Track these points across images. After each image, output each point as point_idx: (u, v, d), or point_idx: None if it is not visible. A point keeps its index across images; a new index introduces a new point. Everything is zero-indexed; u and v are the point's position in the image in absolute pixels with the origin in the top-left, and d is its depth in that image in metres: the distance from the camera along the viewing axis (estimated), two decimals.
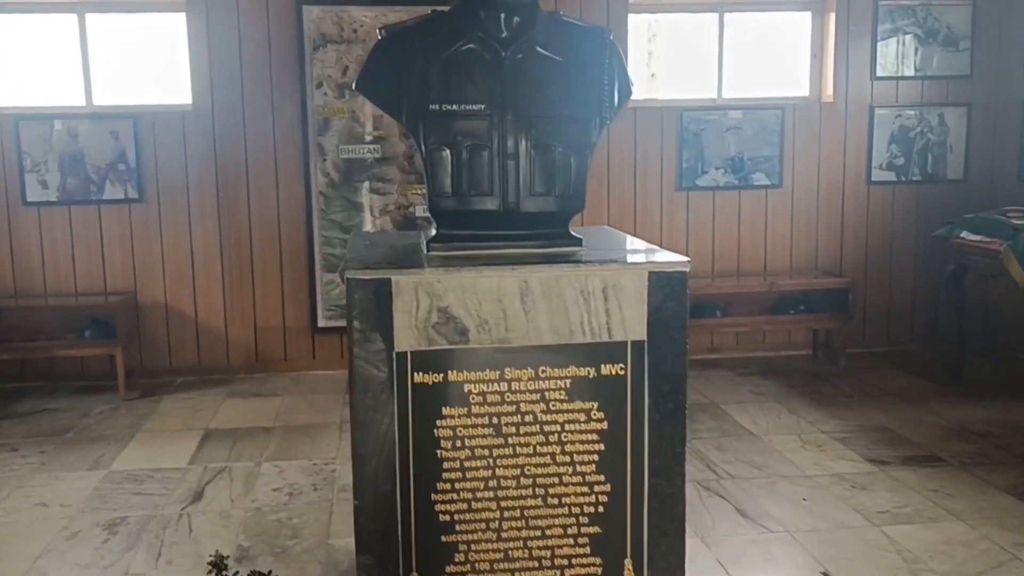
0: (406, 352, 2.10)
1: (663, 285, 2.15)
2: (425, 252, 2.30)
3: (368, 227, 5.88)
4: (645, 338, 2.15)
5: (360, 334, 2.08)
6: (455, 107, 2.26)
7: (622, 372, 2.16)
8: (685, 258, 2.19)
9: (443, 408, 2.12)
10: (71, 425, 5.03)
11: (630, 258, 2.27)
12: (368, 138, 5.84)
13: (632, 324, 2.14)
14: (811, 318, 6.09)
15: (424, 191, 2.33)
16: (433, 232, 2.32)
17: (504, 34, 2.29)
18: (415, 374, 2.11)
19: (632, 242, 2.59)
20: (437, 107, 2.26)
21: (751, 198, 6.26)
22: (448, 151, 2.26)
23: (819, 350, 6.34)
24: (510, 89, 2.27)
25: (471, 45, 2.28)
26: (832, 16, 6.17)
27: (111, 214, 5.77)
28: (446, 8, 2.36)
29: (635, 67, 6.18)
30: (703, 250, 6.23)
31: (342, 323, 5.96)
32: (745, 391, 5.51)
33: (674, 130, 6.11)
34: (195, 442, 4.73)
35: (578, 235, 2.37)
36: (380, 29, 2.33)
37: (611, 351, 2.15)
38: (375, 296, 2.07)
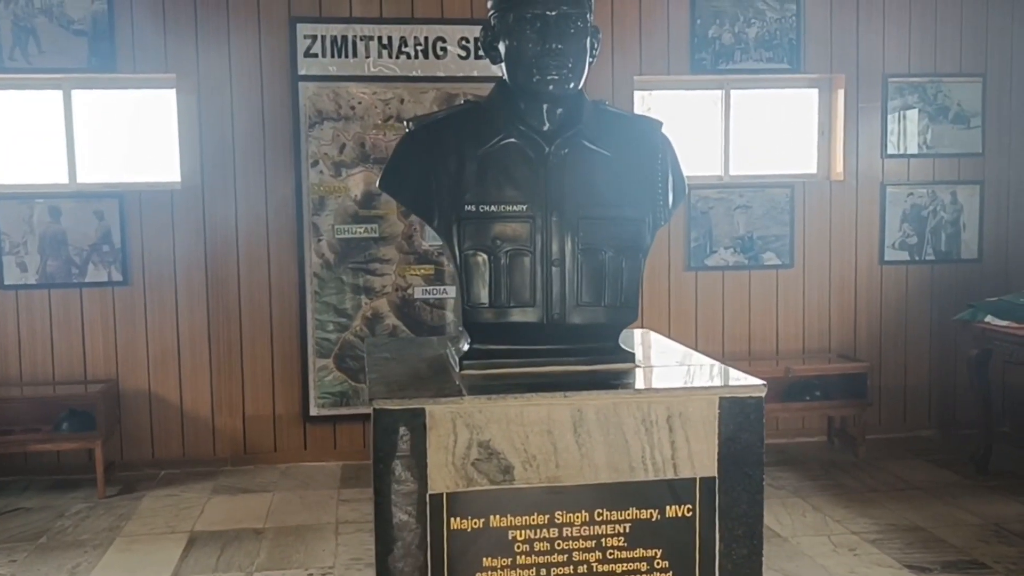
0: (441, 494, 1.81)
1: (736, 413, 1.88)
2: (457, 370, 2.02)
3: (363, 309, 5.60)
4: (716, 474, 1.88)
5: (388, 472, 1.79)
6: (494, 208, 2.01)
7: (689, 514, 1.88)
8: (760, 381, 1.92)
9: (484, 559, 1.83)
10: (45, 528, 4.66)
11: (697, 380, 2.00)
12: (365, 218, 5.59)
13: (701, 458, 1.87)
14: (828, 405, 5.83)
15: (456, 292, 2.04)
16: (466, 347, 2.05)
17: (547, 127, 2.05)
18: (452, 519, 1.82)
19: (690, 355, 2.32)
20: (474, 208, 2.00)
21: (762, 278, 6.05)
22: (485, 256, 2.00)
23: (835, 437, 6.07)
24: (555, 188, 2.02)
25: (511, 139, 2.04)
26: (840, 93, 6.04)
27: (93, 297, 5.46)
28: (478, 98, 2.11)
29: None
30: (713, 332, 5.99)
31: (336, 411, 5.68)
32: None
33: (682, 209, 5.90)
34: (179, 548, 4.37)
35: (631, 350, 2.10)
36: (408, 121, 2.08)
37: (677, 490, 1.87)
38: (407, 429, 1.78)
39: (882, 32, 5.99)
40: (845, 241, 6.09)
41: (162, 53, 5.42)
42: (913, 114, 6.10)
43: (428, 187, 2.05)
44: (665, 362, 2.20)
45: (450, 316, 5.68)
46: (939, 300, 6.12)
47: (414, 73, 5.59)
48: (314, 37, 5.52)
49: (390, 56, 5.58)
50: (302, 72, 5.52)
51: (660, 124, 2.19)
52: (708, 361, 2.20)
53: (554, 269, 2.02)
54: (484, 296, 2.02)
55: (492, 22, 2.09)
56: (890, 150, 6.08)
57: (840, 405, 5.84)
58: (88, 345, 5.47)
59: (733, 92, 6.04)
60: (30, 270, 5.39)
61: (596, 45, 2.10)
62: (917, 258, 6.16)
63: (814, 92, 6.15)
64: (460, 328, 2.12)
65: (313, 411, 5.65)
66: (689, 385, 1.94)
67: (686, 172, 6.02)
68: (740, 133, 6.11)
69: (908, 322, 6.17)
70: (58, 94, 5.48)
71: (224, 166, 5.51)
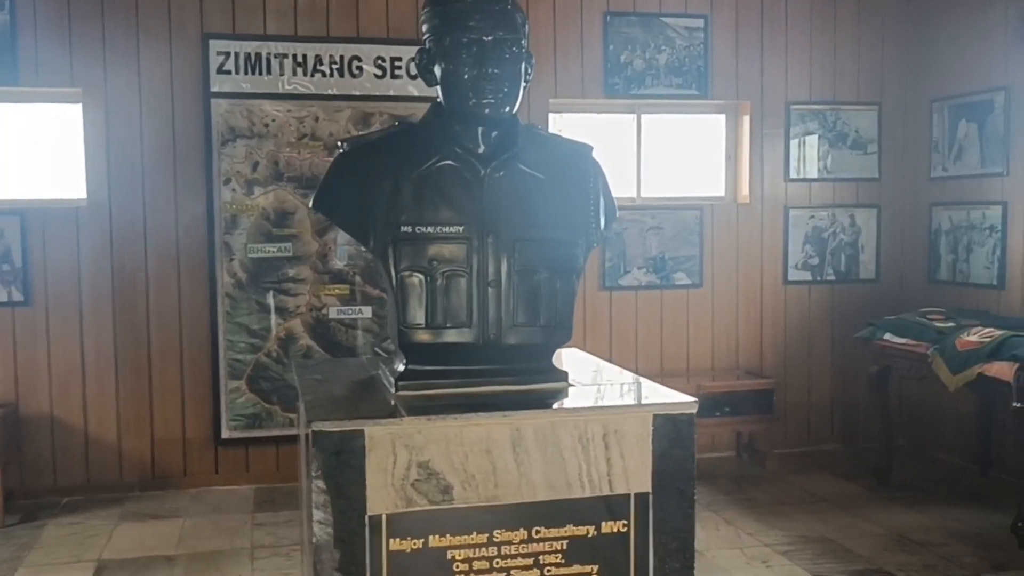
0: (380, 515, 1.81)
1: (669, 429, 1.93)
2: (392, 391, 2.02)
3: (275, 331, 5.52)
4: (650, 490, 1.92)
5: (325, 495, 1.78)
6: (430, 229, 2.02)
7: (624, 530, 1.92)
8: (692, 398, 1.98)
9: None
10: None
11: (631, 398, 2.05)
12: (278, 236, 5.52)
13: (635, 475, 1.91)
14: (737, 420, 5.99)
15: (391, 313, 2.05)
16: (401, 368, 2.05)
17: (483, 149, 2.08)
18: (391, 540, 1.82)
19: (621, 373, 2.37)
20: (410, 229, 2.02)
21: (673, 298, 6.19)
22: (422, 277, 2.02)
23: (744, 452, 6.23)
24: (491, 209, 2.05)
25: (447, 161, 2.06)
26: (746, 119, 6.24)
27: None
28: (414, 120, 2.13)
29: None
30: (626, 350, 6.09)
31: (248, 434, 5.56)
32: None
33: None
34: None
35: (564, 369, 2.13)
36: (341, 142, 2.08)
37: (612, 506, 1.91)
38: (345, 451, 1.78)
39: (785, 61, 6.22)
40: (751, 262, 6.28)
41: (68, 67, 5.27)
42: (814, 140, 6.34)
43: (363, 208, 2.05)
44: (598, 380, 2.25)
45: (362, 337, 5.64)
46: (840, 318, 6.36)
47: (329, 91, 5.56)
48: (227, 54, 5.44)
49: (305, 74, 5.53)
50: (215, 89, 5.43)
51: (591, 148, 2.24)
52: (640, 379, 2.26)
53: (490, 290, 2.05)
54: (420, 317, 2.03)
55: (428, 45, 2.11)
56: (792, 174, 6.30)
57: (748, 421, 6.00)
58: None
59: (644, 116, 6.18)
60: None
61: (530, 70, 2.14)
62: (819, 278, 6.39)
63: (721, 118, 6.35)
64: (394, 348, 2.12)
65: (225, 434, 5.53)
66: (624, 403, 1.98)
67: None
68: (652, 156, 6.26)
69: (811, 340, 6.39)
70: None
71: (132, 183, 5.37)
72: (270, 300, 5.54)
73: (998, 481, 5.46)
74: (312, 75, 5.55)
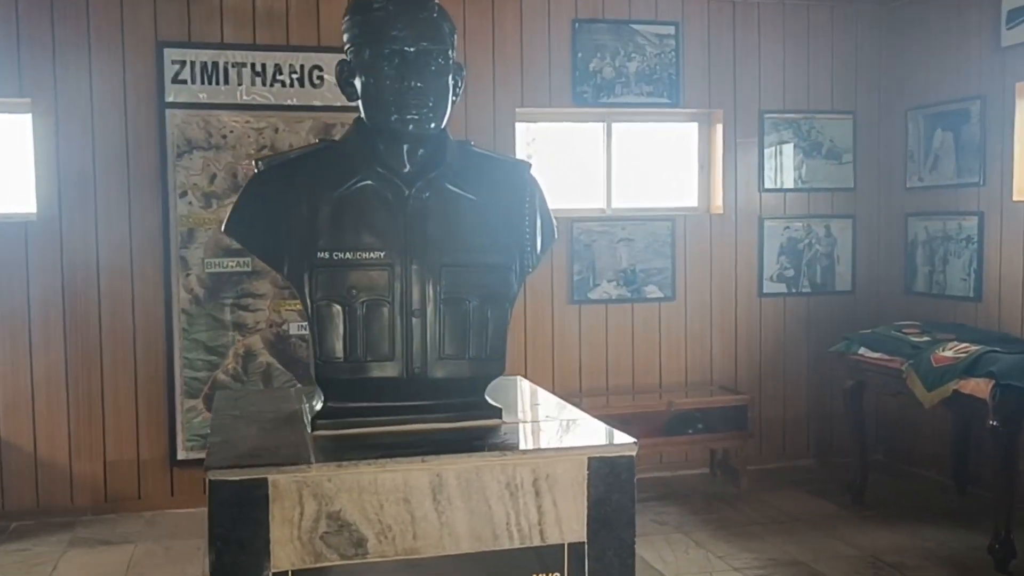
0: (286, 572, 1.65)
1: (606, 473, 1.78)
2: (309, 431, 1.86)
3: (234, 347, 5.35)
4: (585, 539, 1.77)
5: (225, 550, 1.61)
6: (349, 255, 1.87)
7: None
8: (631, 439, 1.83)
9: None
10: None
11: (566, 439, 1.90)
12: (238, 251, 5.34)
13: (569, 523, 1.76)
14: (710, 437, 5.84)
15: (309, 346, 1.89)
16: (319, 405, 1.89)
17: (407, 168, 1.93)
18: None
19: (561, 407, 2.21)
20: (327, 255, 1.86)
21: (644, 311, 6.04)
22: (340, 307, 1.86)
23: (717, 468, 6.08)
24: (415, 233, 1.90)
25: (368, 181, 1.91)
26: (719, 127, 6.11)
27: None
28: (336, 138, 1.97)
29: None
30: (597, 365, 5.95)
31: (205, 455, 5.38)
32: (647, 520, 5.16)
33: (565, 241, 5.86)
34: None
35: (496, 404, 1.98)
36: (257, 161, 1.93)
37: (544, 557, 1.76)
38: (246, 502, 1.62)
39: (758, 68, 6.10)
40: (725, 274, 6.15)
41: (16, 75, 5.09)
42: (789, 149, 6.22)
43: (277, 232, 1.90)
44: (533, 416, 2.09)
45: None
46: (815, 331, 6.24)
47: (289, 102, 5.40)
48: (183, 63, 5.27)
49: (264, 84, 5.37)
50: (169, 99, 5.26)
51: (528, 166, 2.09)
52: (578, 415, 2.10)
53: (414, 320, 1.90)
54: (339, 350, 1.87)
55: (348, 57, 1.96)
56: (767, 184, 6.18)
57: (722, 437, 5.86)
58: None
59: (615, 125, 6.04)
60: None
61: (460, 83, 2.00)
62: (794, 290, 6.26)
63: (694, 126, 6.22)
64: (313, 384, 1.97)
65: (181, 455, 5.34)
66: (556, 445, 1.83)
67: (569, 204, 5.96)
68: (622, 167, 6.12)
69: (786, 353, 6.26)
70: None
71: (84, 196, 5.19)
72: (228, 316, 5.37)
73: (976, 498, 5.33)
74: (272, 85, 5.39)
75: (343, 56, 1.98)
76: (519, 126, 5.83)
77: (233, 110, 5.33)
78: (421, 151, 1.95)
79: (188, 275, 5.31)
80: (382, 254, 1.88)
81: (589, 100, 5.86)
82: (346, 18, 1.95)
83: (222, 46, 5.32)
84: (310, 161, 1.95)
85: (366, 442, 1.79)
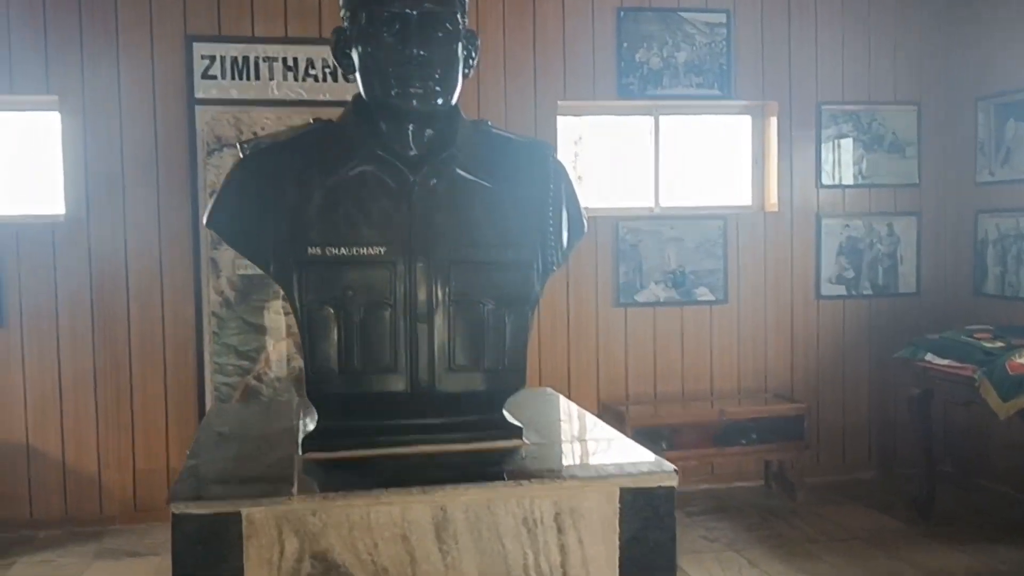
0: None
1: (642, 507, 1.51)
2: (299, 453, 1.62)
3: (271, 351, 5.16)
4: None
5: None
6: (344, 251, 1.62)
7: None
8: (671, 467, 1.55)
9: None
10: None
11: (594, 465, 1.63)
12: None
13: (598, 565, 1.50)
14: (764, 448, 5.51)
15: (301, 356, 1.64)
16: (311, 425, 1.65)
17: (413, 152, 1.68)
18: None
19: (590, 426, 1.94)
20: (319, 251, 1.62)
21: (694, 314, 5.73)
22: (334, 311, 1.62)
23: (772, 481, 5.75)
24: (421, 226, 1.65)
25: (367, 166, 1.66)
26: (773, 120, 5.78)
27: None
28: (333, 118, 1.74)
29: None
30: (644, 371, 5.66)
31: None
32: (697, 536, 4.86)
33: (610, 241, 5.58)
34: None
35: (515, 422, 1.72)
36: (242, 144, 1.69)
37: None
38: (215, 539, 1.38)
39: (815, 58, 5.76)
40: (781, 275, 5.82)
41: (43, 73, 4.96)
42: (848, 143, 5.87)
43: (264, 226, 1.66)
44: (558, 437, 1.82)
45: None
46: (877, 336, 5.87)
47: (322, 97, 5.20)
48: (212, 58, 5.10)
49: (296, 79, 5.18)
50: (199, 95, 5.09)
51: (552, 148, 1.83)
52: (611, 434, 1.83)
53: (420, 326, 1.65)
54: (333, 360, 1.63)
55: (344, 24, 1.72)
56: (825, 180, 5.83)
57: (777, 448, 5.53)
58: None
59: (662, 118, 5.75)
60: None
61: (473, 54, 1.74)
62: (854, 292, 5.90)
63: (746, 119, 5.90)
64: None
65: None
66: (582, 475, 1.56)
67: (614, 202, 5.64)
68: (670, 162, 5.82)
69: (846, 359, 5.91)
70: None
71: (112, 196, 5.04)
72: (260, 319, 5.18)
73: None
74: (304, 80, 5.19)
75: (340, 25, 1.74)
76: (563, 120, 5.57)
77: (264, 106, 5.15)
78: (428, 131, 1.70)
79: (219, 277, 5.13)
80: (382, 249, 1.64)
81: (635, 92, 5.58)
82: None
83: (253, 40, 5.14)
84: (302, 144, 1.71)
85: (361, 468, 1.54)
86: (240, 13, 5.14)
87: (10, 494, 5.00)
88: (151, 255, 5.10)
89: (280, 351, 5.21)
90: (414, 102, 1.64)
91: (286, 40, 5.17)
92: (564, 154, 5.74)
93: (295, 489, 1.45)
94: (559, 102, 5.48)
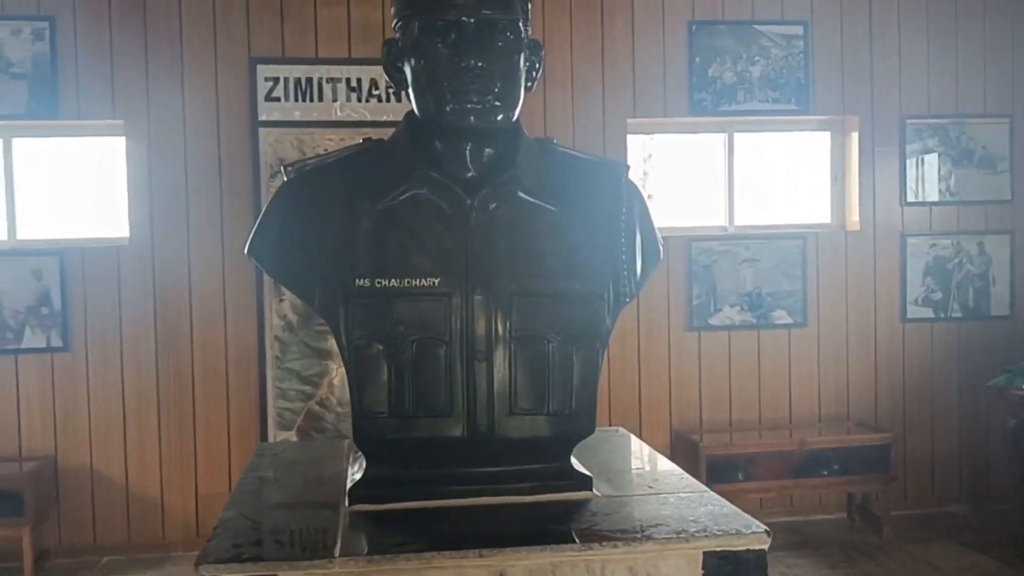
0: None
1: (728, 574, 1.31)
2: (345, 504, 1.47)
3: (333, 376, 5.07)
4: None
5: None
6: (395, 282, 1.47)
7: None
8: (762, 528, 1.36)
9: None
10: None
11: (674, 523, 1.44)
12: None
13: None
14: (847, 480, 5.22)
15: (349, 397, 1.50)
16: (359, 472, 1.50)
17: (471, 173, 1.53)
18: None
19: (669, 474, 1.75)
20: (367, 282, 1.47)
21: (772, 338, 5.48)
22: (384, 348, 1.46)
23: (856, 514, 5.45)
24: (479, 254, 1.49)
25: (421, 190, 1.52)
26: (854, 136, 5.52)
27: (30, 365, 4.94)
28: (384, 136, 1.59)
29: None
30: (719, 398, 5.42)
31: None
32: (775, 573, 4.60)
33: (682, 263, 5.37)
34: None
35: (584, 471, 1.55)
36: (286, 167, 1.56)
37: None
38: None
39: (898, 71, 5.49)
40: (863, 297, 5.53)
41: (109, 98, 4.96)
42: (933, 158, 5.58)
43: (308, 254, 1.52)
44: (632, 487, 1.64)
45: None
46: (967, 361, 5.55)
47: (386, 118, 5.09)
48: (276, 79, 5.05)
49: (359, 100, 5.10)
50: (263, 117, 5.04)
51: (625, 168, 1.66)
52: (693, 486, 1.64)
53: (478, 365, 1.49)
54: (382, 402, 1.48)
55: (396, 35, 1.58)
56: (910, 197, 5.54)
57: (861, 480, 5.24)
58: (24, 418, 4.94)
59: (737, 135, 5.53)
60: None
61: (537, 65, 1.59)
62: (942, 315, 5.59)
63: (826, 135, 5.64)
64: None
65: None
66: (660, 535, 1.38)
67: (686, 222, 5.42)
68: (745, 180, 5.60)
69: (934, 386, 5.59)
70: None
71: (176, 219, 5.01)
72: (323, 344, 5.08)
73: None
74: (367, 100, 5.11)
75: (391, 37, 1.60)
76: (633, 139, 5.39)
77: (328, 127, 5.07)
78: (488, 151, 1.55)
79: (281, 301, 5.06)
80: (436, 281, 1.48)
81: (708, 108, 5.37)
82: None
83: (316, 61, 5.07)
84: (350, 166, 1.57)
85: (412, 524, 1.39)
86: (304, 34, 5.08)
87: (75, 518, 4.98)
88: (214, 278, 5.05)
89: (343, 376, 5.09)
90: (471, 118, 1.48)
91: (349, 61, 5.10)
92: (634, 173, 5.55)
93: (337, 550, 1.30)
94: (629, 120, 5.30)
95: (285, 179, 1.58)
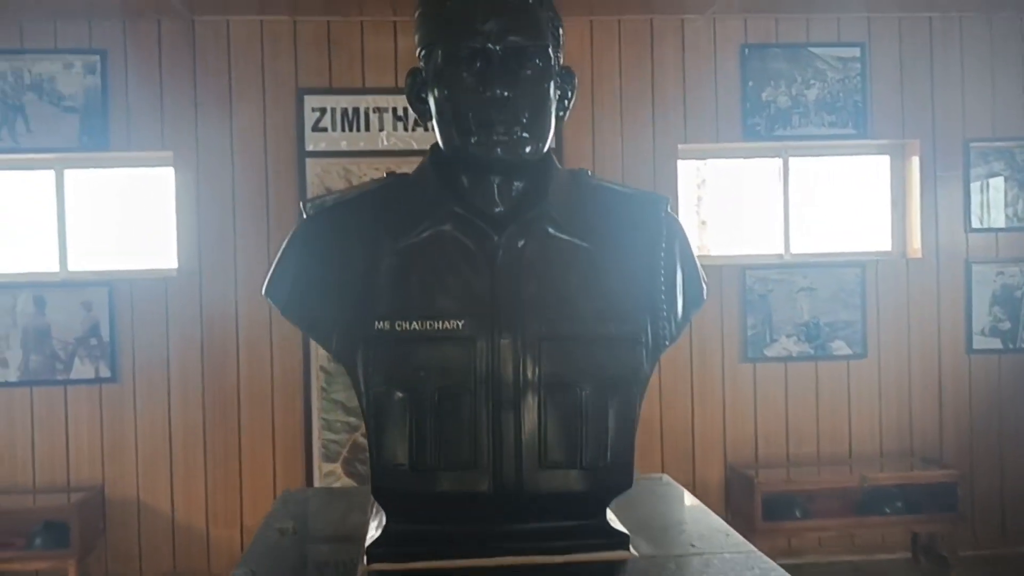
0: None
1: None
2: (364, 563, 1.38)
3: None
4: None
5: None
6: (416, 325, 1.39)
7: None
8: None
9: None
10: None
11: None
12: None
13: None
14: (912, 519, 4.99)
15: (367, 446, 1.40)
16: (378, 529, 1.41)
17: (499, 209, 1.44)
18: None
19: (714, 530, 1.63)
20: (387, 325, 1.39)
21: (830, 370, 5.29)
22: (404, 396, 1.37)
23: (921, 554, 5.21)
24: (507, 295, 1.39)
25: (445, 227, 1.43)
26: (915, 160, 5.33)
27: (79, 396, 4.96)
28: (408, 170, 1.51)
29: (683, 213, 5.35)
30: (775, 432, 5.24)
31: None
32: None
33: (736, 291, 5.22)
34: None
35: (622, 529, 1.43)
36: (304, 203, 1.48)
37: None
38: None
39: (961, 92, 5.30)
40: (926, 327, 5.31)
41: (158, 129, 4.99)
42: (999, 182, 5.36)
43: (325, 295, 1.44)
44: (674, 548, 1.52)
45: None
46: None
47: None
48: (323, 110, 5.04)
49: (406, 129, 5.06)
50: (310, 148, 5.02)
51: (665, 201, 1.55)
52: (739, 546, 1.52)
53: (505, 414, 1.39)
54: (403, 454, 1.38)
55: (420, 64, 1.50)
56: (975, 223, 5.33)
57: (926, 519, 5.00)
58: (72, 449, 4.95)
59: (792, 160, 5.37)
60: (11, 366, 4.91)
61: (570, 94, 1.49)
62: (1011, 346, 5.35)
63: (885, 159, 5.46)
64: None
65: None
66: None
67: (741, 250, 5.26)
68: (802, 206, 5.43)
69: (1003, 420, 5.34)
70: (50, 175, 5.06)
71: (224, 250, 5.01)
72: None
73: None
74: (413, 130, 5.06)
75: (416, 66, 1.52)
76: (685, 164, 5.27)
77: (374, 157, 5.04)
78: (517, 184, 1.46)
79: None
80: (460, 323, 1.39)
81: (762, 133, 5.23)
82: (416, 12, 1.49)
83: (363, 91, 5.05)
84: (372, 202, 1.49)
85: None
86: (350, 64, 5.07)
87: (122, 550, 4.97)
88: (261, 309, 5.02)
89: None
90: (498, 150, 1.39)
91: (396, 90, 5.05)
92: (686, 199, 5.43)
93: None
94: (680, 146, 5.19)
95: (304, 216, 1.51)
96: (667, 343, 1.47)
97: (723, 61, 5.21)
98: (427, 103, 1.50)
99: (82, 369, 4.94)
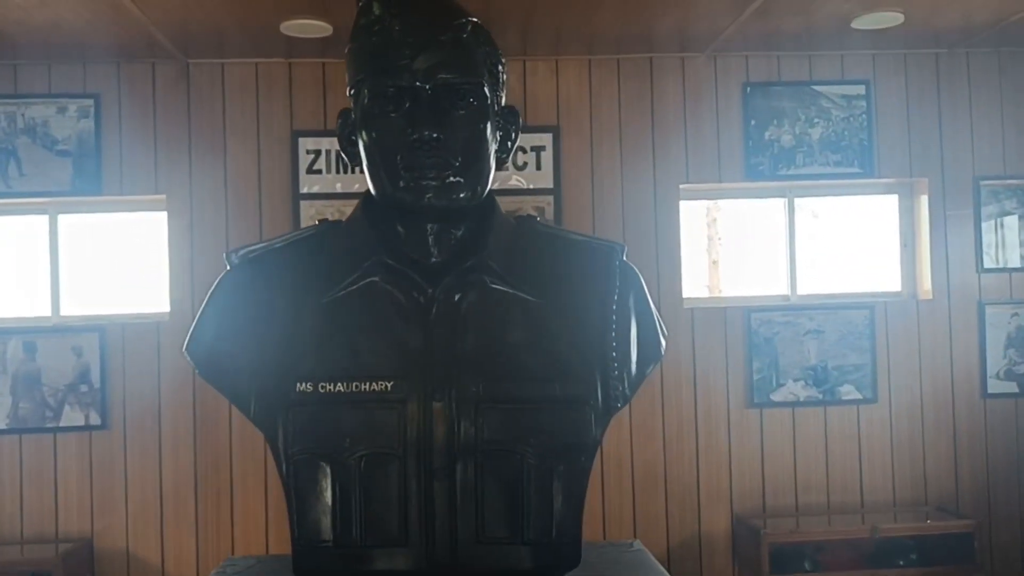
0: None
1: None
2: None
3: None
4: None
5: None
6: (341, 387, 1.27)
7: None
8: None
9: None
10: None
11: None
12: None
13: None
14: (927, 571, 4.78)
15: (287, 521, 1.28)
16: None
17: (435, 259, 1.32)
18: None
19: None
20: (309, 387, 1.27)
21: (839, 415, 5.12)
22: (327, 466, 1.25)
23: None
24: (441, 354, 1.28)
25: (373, 278, 1.31)
26: (924, 199, 5.20)
27: (68, 444, 4.86)
28: (341, 218, 1.41)
29: (692, 254, 5.24)
30: (783, 480, 5.06)
31: None
32: None
33: (741, 335, 5.07)
34: None
35: None
36: (228, 254, 1.38)
37: None
38: None
39: (970, 128, 5.17)
40: (939, 371, 5.14)
41: (152, 172, 4.93)
42: (1013, 221, 5.22)
43: (245, 354, 1.33)
44: None
45: None
46: None
47: None
48: (317, 152, 4.97)
49: None
50: (304, 190, 4.95)
51: (620, 248, 1.43)
52: None
53: (438, 484, 1.27)
54: (326, 529, 1.27)
55: (351, 104, 1.40)
56: (987, 263, 5.18)
57: (942, 571, 4.80)
58: (61, 498, 4.84)
59: (797, 200, 5.25)
60: (0, 414, 4.82)
61: (512, 134, 1.39)
62: None
63: (893, 199, 5.33)
64: None
65: None
66: None
67: (745, 290, 5.12)
68: (807, 247, 5.30)
69: (1021, 467, 5.14)
70: (43, 219, 5.01)
71: None
72: None
73: None
74: None
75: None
76: (688, 205, 5.16)
77: None
78: (456, 232, 1.35)
79: None
80: (389, 384, 1.27)
81: (766, 173, 5.12)
82: (347, 48, 1.40)
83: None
84: (300, 252, 1.39)
85: None
86: (346, 105, 4.99)
87: None
88: None
89: None
90: (429, 196, 1.29)
91: None
92: (695, 239, 5.31)
93: None
94: (681, 186, 5.08)
95: (227, 266, 1.41)
96: (619, 404, 1.34)
97: (725, 100, 5.12)
98: (357, 146, 1.39)
99: (71, 416, 4.85)
